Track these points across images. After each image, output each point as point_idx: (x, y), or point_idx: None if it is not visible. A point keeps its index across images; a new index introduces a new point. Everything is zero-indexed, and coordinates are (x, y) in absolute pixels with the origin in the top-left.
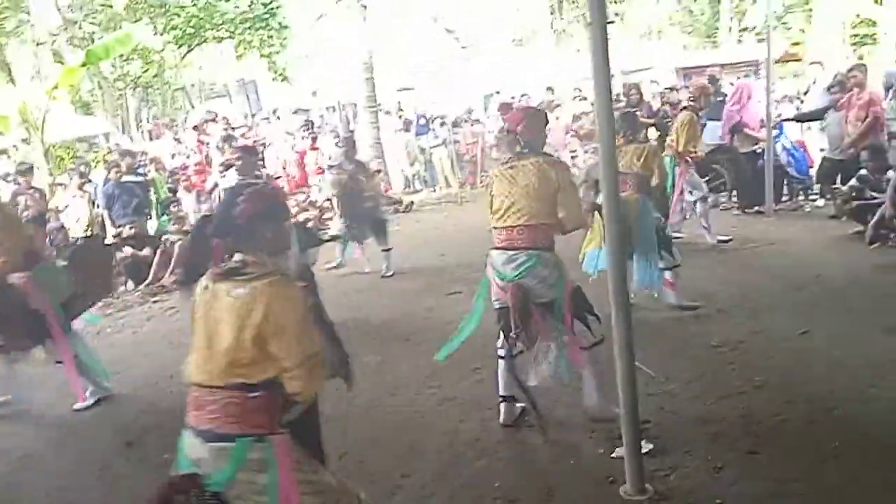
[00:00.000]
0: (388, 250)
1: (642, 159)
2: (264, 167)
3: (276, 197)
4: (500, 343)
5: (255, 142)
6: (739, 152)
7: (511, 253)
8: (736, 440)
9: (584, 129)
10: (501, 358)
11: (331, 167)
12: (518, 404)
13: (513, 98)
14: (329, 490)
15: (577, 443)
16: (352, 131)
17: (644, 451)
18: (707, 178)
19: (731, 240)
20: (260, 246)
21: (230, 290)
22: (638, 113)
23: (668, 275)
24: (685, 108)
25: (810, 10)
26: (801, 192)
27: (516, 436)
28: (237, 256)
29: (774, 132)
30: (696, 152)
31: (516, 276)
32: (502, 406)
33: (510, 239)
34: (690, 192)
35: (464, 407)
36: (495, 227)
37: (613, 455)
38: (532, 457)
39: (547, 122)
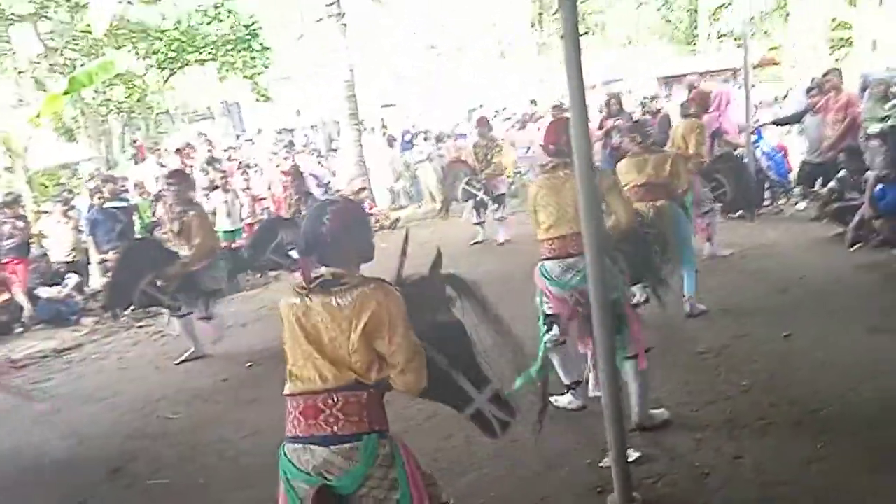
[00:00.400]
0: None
1: (669, 166)
2: (249, 188)
3: (360, 212)
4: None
5: (239, 163)
6: (741, 161)
7: (569, 261)
8: (722, 445)
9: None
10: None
11: None
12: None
13: (496, 112)
14: (437, 483)
15: (565, 453)
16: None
17: (631, 459)
18: (708, 187)
19: (732, 254)
20: (347, 259)
21: (329, 300)
22: (619, 122)
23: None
24: (687, 115)
25: (787, 14)
26: (782, 196)
27: (503, 450)
28: (323, 270)
29: (753, 137)
30: (704, 160)
31: (578, 282)
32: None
33: (564, 247)
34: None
35: (449, 423)
36: (546, 238)
37: (601, 464)
38: (520, 470)
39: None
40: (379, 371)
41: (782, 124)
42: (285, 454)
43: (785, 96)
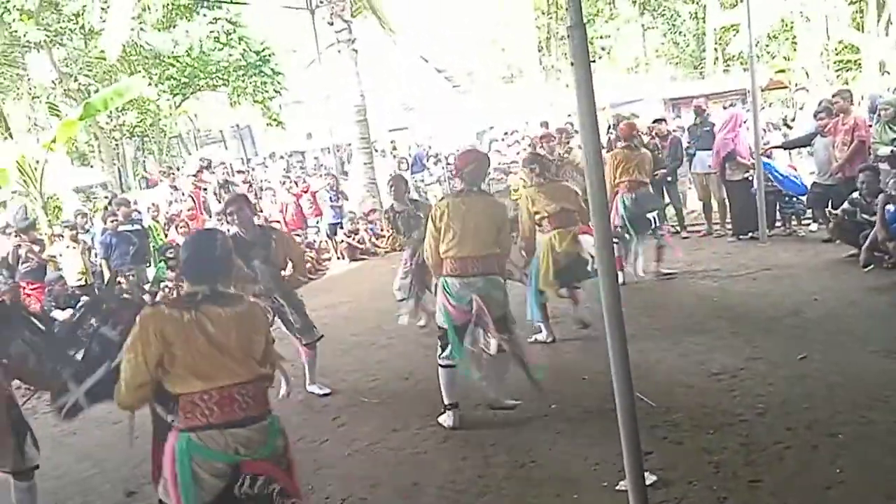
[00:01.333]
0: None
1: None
2: (261, 211)
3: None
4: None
5: (250, 185)
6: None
7: (469, 279)
8: (738, 469)
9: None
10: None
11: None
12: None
13: (505, 134)
14: None
15: (581, 476)
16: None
17: (648, 482)
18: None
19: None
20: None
21: (227, 311)
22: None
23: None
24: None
25: (794, 37)
26: (793, 218)
27: (520, 471)
28: (196, 287)
29: (765, 159)
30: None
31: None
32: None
33: (465, 266)
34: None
35: (465, 444)
36: (449, 257)
37: (617, 487)
38: (536, 492)
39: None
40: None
41: (791, 147)
42: (191, 441)
43: (793, 118)
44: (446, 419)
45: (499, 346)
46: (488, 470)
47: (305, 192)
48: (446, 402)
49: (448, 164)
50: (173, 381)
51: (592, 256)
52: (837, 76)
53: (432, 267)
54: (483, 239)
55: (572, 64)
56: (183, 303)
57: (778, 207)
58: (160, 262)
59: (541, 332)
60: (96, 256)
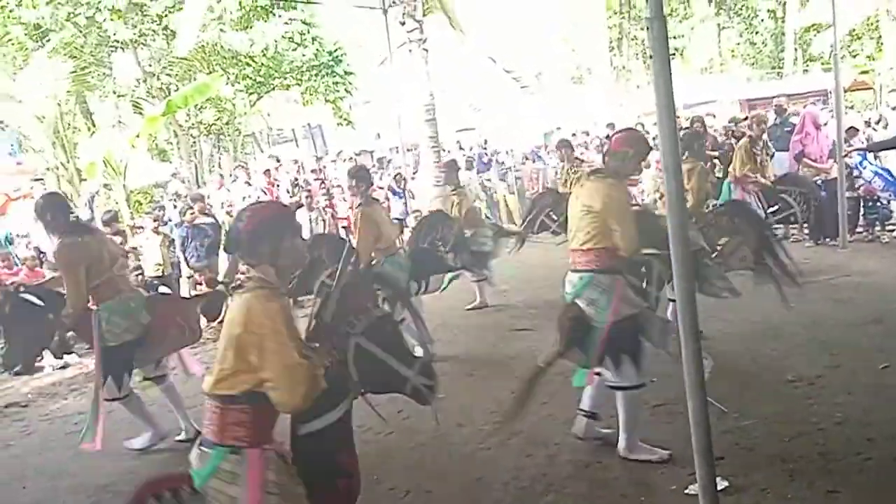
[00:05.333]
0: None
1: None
2: (331, 206)
3: (277, 213)
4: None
5: (322, 182)
6: (815, 184)
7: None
8: (815, 478)
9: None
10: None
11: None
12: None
13: (573, 135)
14: None
15: (649, 479)
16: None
17: (720, 488)
18: (775, 208)
19: None
20: (261, 260)
21: (230, 302)
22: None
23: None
24: (743, 135)
25: (880, 36)
26: (877, 223)
27: (585, 471)
28: (243, 269)
29: (857, 158)
30: (754, 178)
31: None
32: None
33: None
34: None
35: (530, 441)
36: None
37: (687, 491)
38: (601, 493)
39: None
40: (243, 383)
41: (878, 150)
42: None
43: (878, 121)
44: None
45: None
46: (552, 469)
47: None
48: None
49: (501, 163)
50: None
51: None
52: None
53: None
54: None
55: (651, 56)
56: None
57: (861, 212)
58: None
59: None
60: (174, 248)
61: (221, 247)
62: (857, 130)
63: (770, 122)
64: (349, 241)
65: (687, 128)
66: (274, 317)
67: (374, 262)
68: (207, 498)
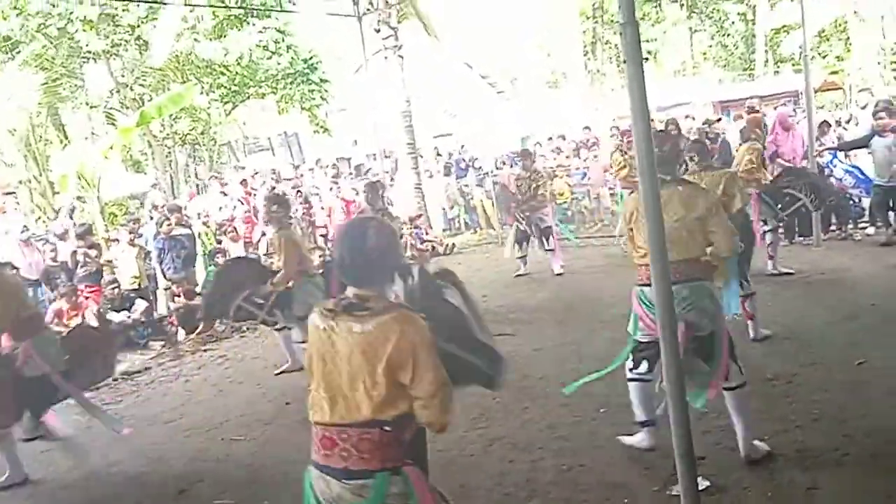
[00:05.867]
0: None
1: (722, 186)
2: (308, 215)
3: (394, 230)
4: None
5: (298, 191)
6: (817, 175)
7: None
8: (795, 476)
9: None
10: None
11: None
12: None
13: (550, 139)
14: None
15: (631, 481)
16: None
17: (701, 488)
18: (781, 205)
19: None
20: (381, 280)
21: (351, 326)
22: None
23: (747, 305)
24: (747, 139)
25: (848, 38)
26: (850, 221)
27: (568, 475)
28: (351, 291)
29: (827, 158)
30: (761, 179)
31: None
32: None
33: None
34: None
35: (513, 447)
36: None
37: (669, 492)
38: (584, 496)
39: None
40: (397, 406)
41: (847, 149)
42: (311, 475)
43: (848, 120)
44: (642, 440)
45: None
46: (535, 474)
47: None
48: (641, 418)
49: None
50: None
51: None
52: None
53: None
54: (680, 239)
55: (625, 61)
56: (328, 309)
57: (834, 210)
58: (209, 266)
59: None
60: (149, 260)
61: (199, 258)
62: (829, 125)
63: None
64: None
65: (661, 130)
66: (424, 334)
67: (291, 284)
68: None
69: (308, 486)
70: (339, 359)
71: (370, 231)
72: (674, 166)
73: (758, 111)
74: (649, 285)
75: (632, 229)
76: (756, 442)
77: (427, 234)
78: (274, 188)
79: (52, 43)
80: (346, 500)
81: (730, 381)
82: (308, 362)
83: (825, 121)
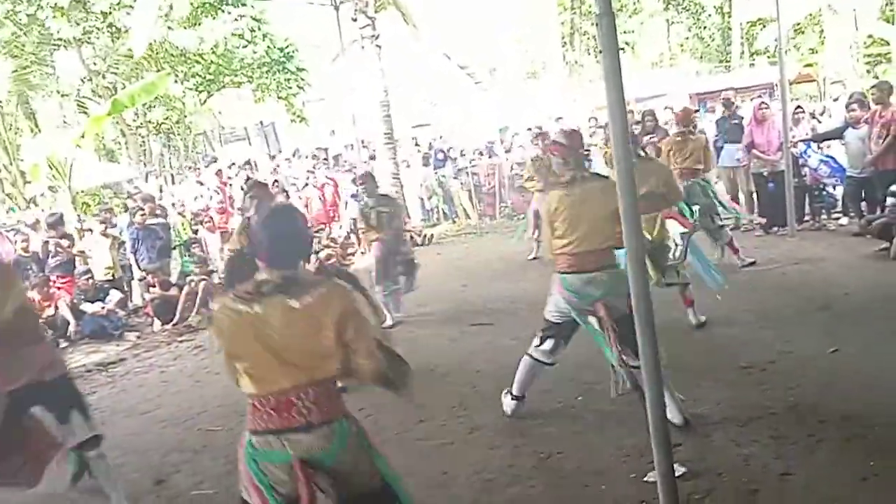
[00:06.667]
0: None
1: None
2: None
3: (298, 215)
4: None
5: (275, 181)
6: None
7: (591, 275)
8: (769, 462)
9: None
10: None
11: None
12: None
13: (529, 129)
14: None
15: (610, 467)
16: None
17: (677, 474)
18: None
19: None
20: (301, 261)
21: (289, 303)
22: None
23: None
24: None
25: (822, 31)
26: (823, 211)
27: (548, 462)
28: (275, 274)
29: (801, 149)
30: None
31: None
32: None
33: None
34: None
35: (494, 434)
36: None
37: (646, 479)
38: (565, 482)
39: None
40: (341, 362)
41: (821, 140)
42: (253, 445)
43: (822, 112)
44: (508, 405)
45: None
46: (517, 460)
47: (324, 186)
48: (516, 392)
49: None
50: (240, 378)
51: (676, 244)
52: (868, 70)
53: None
54: (600, 229)
55: (600, 52)
56: (247, 293)
57: (808, 201)
58: (185, 256)
59: None
60: (125, 251)
61: (173, 248)
62: (803, 110)
63: (718, 115)
64: None
65: (638, 122)
66: (355, 297)
67: None
68: (345, 467)
69: (251, 459)
70: (277, 334)
71: (297, 217)
72: (583, 166)
73: (689, 108)
74: (569, 272)
75: (554, 223)
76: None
77: (405, 224)
78: (249, 178)
79: (21, 30)
80: (315, 449)
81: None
82: (230, 347)
83: (799, 106)
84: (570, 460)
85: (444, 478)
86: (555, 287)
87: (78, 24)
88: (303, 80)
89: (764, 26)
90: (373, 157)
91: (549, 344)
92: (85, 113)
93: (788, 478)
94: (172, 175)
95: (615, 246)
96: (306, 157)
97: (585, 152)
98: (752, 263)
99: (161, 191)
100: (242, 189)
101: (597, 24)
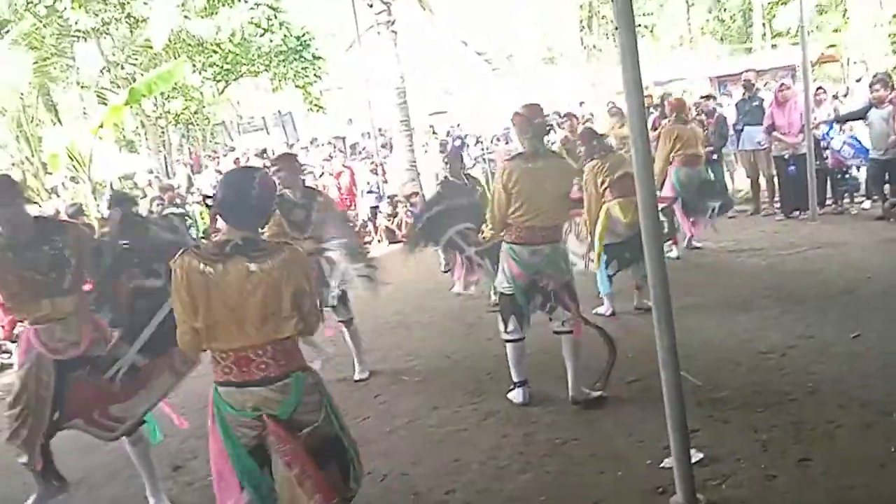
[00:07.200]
0: None
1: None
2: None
3: (275, 183)
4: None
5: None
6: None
7: (537, 247)
8: (788, 448)
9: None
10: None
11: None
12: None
13: (546, 115)
14: None
15: (625, 453)
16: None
17: (694, 460)
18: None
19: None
20: (261, 224)
21: (249, 266)
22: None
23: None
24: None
25: (845, 10)
26: (845, 195)
27: (562, 448)
28: (237, 234)
29: (823, 131)
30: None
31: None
32: (522, 390)
33: (533, 236)
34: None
35: (506, 421)
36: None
37: (662, 465)
38: (578, 469)
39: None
40: (298, 321)
41: (844, 121)
42: (219, 394)
43: (845, 94)
44: (516, 395)
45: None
46: (529, 447)
47: (341, 174)
48: (516, 378)
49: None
50: (201, 332)
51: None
52: (893, 50)
53: (496, 232)
54: (554, 207)
55: (616, 28)
56: (211, 253)
57: (829, 184)
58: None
59: (603, 304)
60: None
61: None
62: (824, 90)
63: (737, 97)
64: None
65: (657, 105)
66: (309, 263)
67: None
68: (299, 415)
69: (218, 403)
70: (235, 294)
71: (257, 179)
72: (542, 139)
73: (680, 99)
74: (517, 244)
75: (511, 194)
76: (584, 388)
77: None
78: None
79: (41, 22)
80: (272, 401)
81: (564, 325)
82: (187, 303)
83: (820, 87)
84: (584, 447)
85: (456, 464)
86: (505, 260)
87: (96, 15)
88: (320, 68)
89: (785, 5)
90: (384, 146)
91: (512, 323)
92: (104, 104)
93: (807, 463)
94: (192, 165)
95: (561, 224)
96: (327, 144)
97: (602, 136)
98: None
99: (190, 181)
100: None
101: (612, 1)
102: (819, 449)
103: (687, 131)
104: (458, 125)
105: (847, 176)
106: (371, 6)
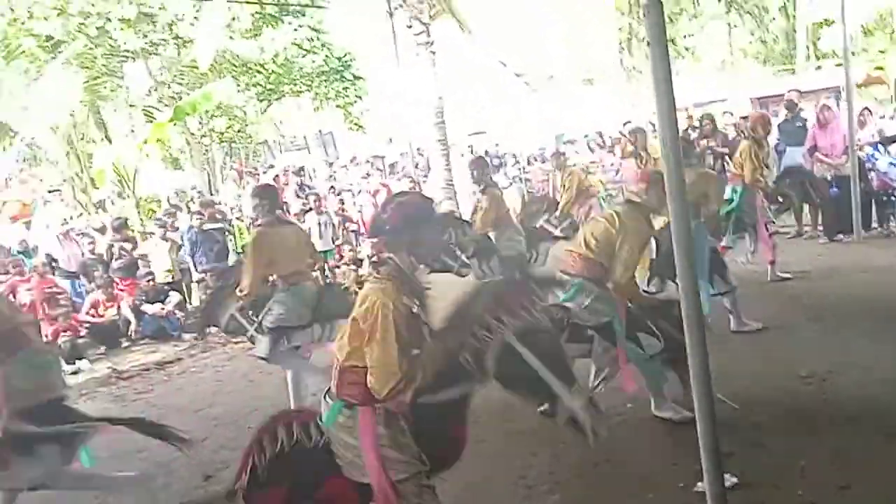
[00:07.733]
0: None
1: (695, 185)
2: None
3: (421, 203)
4: None
5: (332, 187)
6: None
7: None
8: (828, 474)
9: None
10: None
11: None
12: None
13: (585, 136)
14: (409, 464)
15: (657, 476)
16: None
17: (728, 485)
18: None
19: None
20: (399, 248)
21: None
22: (711, 143)
23: (725, 301)
24: (746, 137)
25: (892, 31)
26: (891, 217)
27: (590, 469)
28: (383, 256)
29: (867, 152)
30: (762, 181)
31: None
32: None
33: None
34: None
35: (537, 441)
36: None
37: (695, 489)
38: (609, 490)
39: None
40: (360, 359)
41: (891, 142)
42: None
43: (892, 116)
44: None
45: None
46: (559, 467)
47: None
48: None
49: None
50: None
51: None
52: None
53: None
54: None
55: (648, 43)
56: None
57: (874, 207)
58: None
59: None
60: (184, 253)
61: (230, 251)
62: (870, 112)
63: (781, 118)
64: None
65: (696, 127)
66: (387, 314)
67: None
68: (331, 438)
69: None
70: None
71: (392, 205)
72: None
73: (764, 113)
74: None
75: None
76: None
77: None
78: (301, 184)
79: (92, 42)
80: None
81: None
82: None
83: (866, 107)
84: (615, 468)
85: (485, 483)
86: None
87: (145, 36)
88: (360, 88)
89: (830, 26)
90: (416, 166)
91: None
92: (151, 122)
93: (847, 491)
94: (234, 180)
95: None
96: (366, 162)
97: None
98: None
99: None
100: (297, 195)
101: (644, 15)
102: (860, 477)
103: (763, 153)
104: (497, 145)
105: (893, 198)
106: (410, 27)
